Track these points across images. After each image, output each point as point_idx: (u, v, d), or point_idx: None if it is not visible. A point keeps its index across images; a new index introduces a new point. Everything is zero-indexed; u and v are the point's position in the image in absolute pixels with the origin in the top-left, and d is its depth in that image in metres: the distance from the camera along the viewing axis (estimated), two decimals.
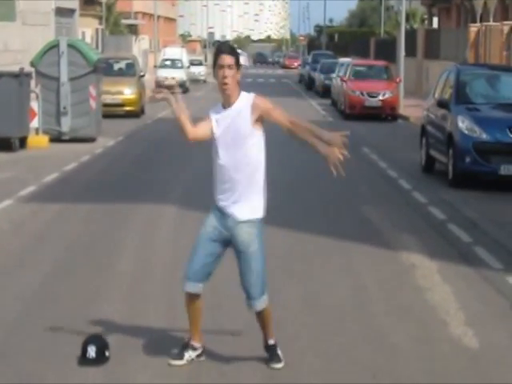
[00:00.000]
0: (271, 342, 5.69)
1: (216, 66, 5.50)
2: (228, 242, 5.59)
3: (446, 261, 8.70)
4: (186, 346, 5.70)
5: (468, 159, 13.17)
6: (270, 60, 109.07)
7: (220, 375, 5.57)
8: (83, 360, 5.66)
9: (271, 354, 5.67)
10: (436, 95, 15.43)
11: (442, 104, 14.48)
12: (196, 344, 5.70)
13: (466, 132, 13.33)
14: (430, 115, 15.40)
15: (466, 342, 6.29)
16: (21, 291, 7.43)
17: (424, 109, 16.31)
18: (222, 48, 5.54)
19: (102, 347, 5.71)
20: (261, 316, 5.66)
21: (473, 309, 7.14)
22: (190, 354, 5.68)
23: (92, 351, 5.65)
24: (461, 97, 14.32)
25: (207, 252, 5.56)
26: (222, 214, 5.54)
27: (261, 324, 5.72)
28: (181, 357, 5.66)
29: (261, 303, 5.58)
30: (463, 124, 13.41)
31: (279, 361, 5.65)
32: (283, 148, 18.47)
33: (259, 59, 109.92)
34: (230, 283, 7.29)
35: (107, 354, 5.72)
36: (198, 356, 5.71)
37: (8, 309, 6.94)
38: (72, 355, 5.76)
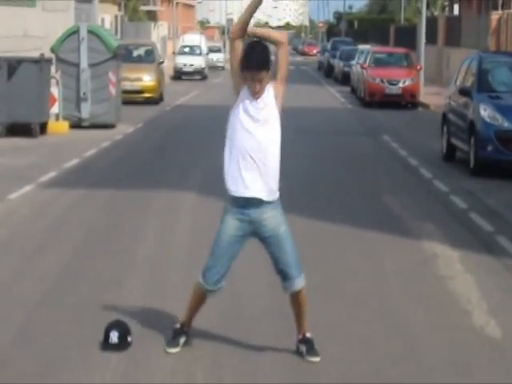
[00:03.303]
0: (308, 335, 5.67)
1: (244, 71, 5.25)
2: (252, 234, 5.53)
3: (467, 250, 8.65)
4: (179, 332, 5.74)
5: (490, 148, 13.09)
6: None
7: (241, 361, 5.57)
8: (106, 345, 5.67)
9: (309, 348, 5.60)
10: (457, 83, 15.33)
11: (463, 92, 14.38)
12: (188, 330, 5.77)
13: (488, 120, 13.25)
14: (451, 103, 15.30)
15: (489, 331, 6.26)
16: (42, 276, 7.45)
17: (445, 96, 16.21)
18: (253, 63, 5.19)
19: (125, 333, 5.72)
20: (298, 297, 5.59)
21: (495, 298, 7.09)
22: (183, 340, 5.72)
23: (114, 336, 5.66)
24: (483, 85, 14.22)
25: (231, 255, 5.53)
26: (243, 208, 5.40)
27: (296, 309, 5.64)
28: (177, 344, 5.69)
29: (301, 281, 5.55)
30: (485, 112, 13.32)
31: (317, 354, 5.58)
32: (303, 137, 18.45)
33: None
34: (249, 270, 7.30)
35: (129, 339, 5.73)
36: (187, 341, 5.74)
37: (29, 293, 6.95)
38: (94, 340, 5.78)
